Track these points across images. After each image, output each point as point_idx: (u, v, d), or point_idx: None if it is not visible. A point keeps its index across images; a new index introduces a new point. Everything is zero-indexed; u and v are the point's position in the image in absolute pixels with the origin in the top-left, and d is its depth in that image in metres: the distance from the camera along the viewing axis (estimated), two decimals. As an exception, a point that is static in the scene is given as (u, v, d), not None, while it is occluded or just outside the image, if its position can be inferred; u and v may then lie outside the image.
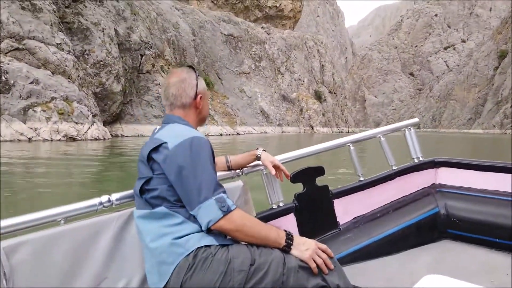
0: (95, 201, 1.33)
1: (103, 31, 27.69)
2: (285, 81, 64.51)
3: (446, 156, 2.36)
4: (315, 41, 74.67)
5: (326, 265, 1.23)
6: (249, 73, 58.16)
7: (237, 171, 1.72)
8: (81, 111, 21.89)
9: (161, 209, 1.25)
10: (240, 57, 57.55)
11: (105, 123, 27.58)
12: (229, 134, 40.70)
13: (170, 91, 1.40)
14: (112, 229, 1.33)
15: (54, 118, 20.51)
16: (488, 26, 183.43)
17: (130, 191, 1.39)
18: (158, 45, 38.99)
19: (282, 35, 67.72)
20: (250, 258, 1.19)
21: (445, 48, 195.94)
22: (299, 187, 1.87)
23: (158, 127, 1.40)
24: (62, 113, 20.84)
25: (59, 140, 20.50)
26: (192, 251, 1.18)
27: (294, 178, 1.81)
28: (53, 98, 20.97)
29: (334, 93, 75.19)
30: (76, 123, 21.44)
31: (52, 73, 21.69)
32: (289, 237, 1.26)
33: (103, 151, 16.72)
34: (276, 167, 1.65)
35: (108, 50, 27.30)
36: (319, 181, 1.93)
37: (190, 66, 1.47)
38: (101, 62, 26.67)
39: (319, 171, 1.91)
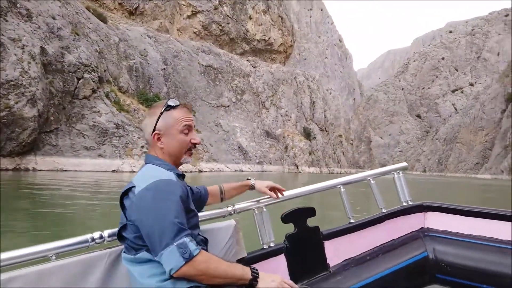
0: (87, 237, 1.32)
1: (23, 48, 24.04)
2: (270, 117, 60.41)
3: (434, 201, 2.39)
4: (306, 76, 71.31)
5: None
6: (228, 106, 54.31)
7: (229, 209, 1.73)
8: (-50, 137, 17.61)
9: (143, 254, 1.25)
10: (219, 89, 53.97)
11: (11, 154, 23.23)
12: (187, 171, 35.97)
13: (142, 126, 1.44)
14: (103, 265, 1.31)
15: None
16: (496, 70, 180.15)
17: None
18: (112, 70, 35.46)
19: (270, 69, 64.52)
20: None
21: (453, 91, 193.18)
22: (290, 227, 1.89)
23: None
24: None
25: None
26: None
27: (285, 219, 1.85)
28: None
29: (326, 131, 70.70)
30: None
31: None
32: (255, 271, 1.28)
33: None
34: (272, 188, 1.73)
35: (24, 69, 23.48)
36: (310, 222, 1.94)
37: (170, 99, 1.44)
38: (12, 82, 22.75)
39: (310, 212, 1.93)
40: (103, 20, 39.58)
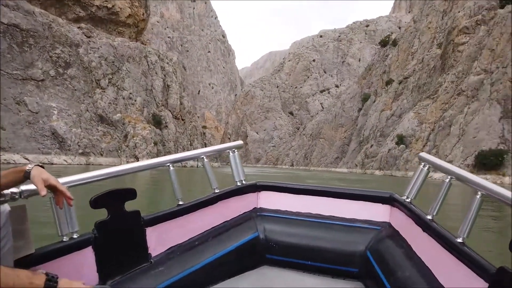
0: None
1: None
2: (107, 98, 49.82)
3: (268, 180, 2.31)
4: (161, 56, 62.40)
5: None
6: (43, 80, 42.20)
7: (11, 193, 1.26)
8: None
9: None
10: (29, 58, 41.48)
11: None
12: None
13: None
14: None
15: None
16: (357, 74, 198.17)
17: None
18: None
19: (112, 42, 53.74)
20: None
21: (321, 91, 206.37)
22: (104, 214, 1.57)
23: None
24: None
25: None
26: None
27: (96, 203, 1.52)
28: None
29: (182, 119, 62.95)
30: None
31: None
32: (52, 280, 0.99)
33: None
34: (53, 187, 1.19)
35: None
36: (130, 206, 1.65)
37: None
38: None
39: (129, 194, 1.64)
40: None
